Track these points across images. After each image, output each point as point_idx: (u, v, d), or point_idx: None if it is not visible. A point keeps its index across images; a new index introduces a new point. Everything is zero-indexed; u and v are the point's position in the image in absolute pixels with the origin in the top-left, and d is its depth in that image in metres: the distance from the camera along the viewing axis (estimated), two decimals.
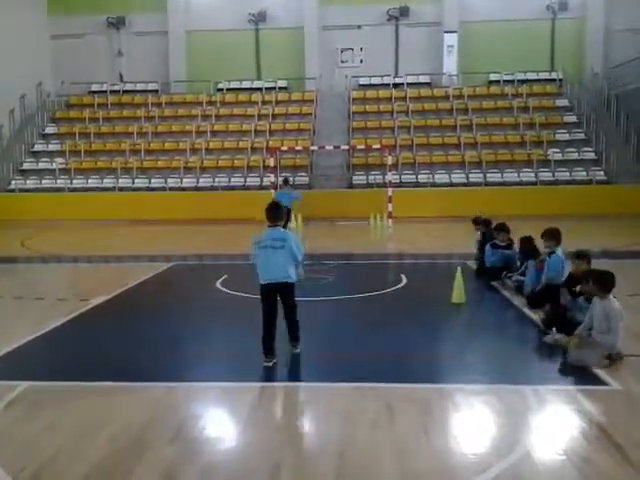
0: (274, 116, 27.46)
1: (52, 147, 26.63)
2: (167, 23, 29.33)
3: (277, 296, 6.34)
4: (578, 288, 7.13)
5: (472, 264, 11.45)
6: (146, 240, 18.75)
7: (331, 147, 23.20)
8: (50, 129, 27.74)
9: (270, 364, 6.21)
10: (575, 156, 24.32)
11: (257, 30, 29.55)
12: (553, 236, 8.53)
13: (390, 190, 20.89)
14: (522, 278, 9.56)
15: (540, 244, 8.95)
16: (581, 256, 7.48)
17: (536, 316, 7.91)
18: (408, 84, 28.25)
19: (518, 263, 9.89)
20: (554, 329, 7.07)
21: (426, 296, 9.92)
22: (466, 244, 11.69)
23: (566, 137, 25.15)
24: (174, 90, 29.43)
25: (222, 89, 28.97)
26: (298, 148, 24.07)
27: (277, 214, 6.36)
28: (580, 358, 6.10)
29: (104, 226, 21.45)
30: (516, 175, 23.72)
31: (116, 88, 29.33)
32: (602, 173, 23.41)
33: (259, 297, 6.37)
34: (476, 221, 11.73)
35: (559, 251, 8.45)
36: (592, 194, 22.24)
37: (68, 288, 11.25)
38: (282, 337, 6.52)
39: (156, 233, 20.14)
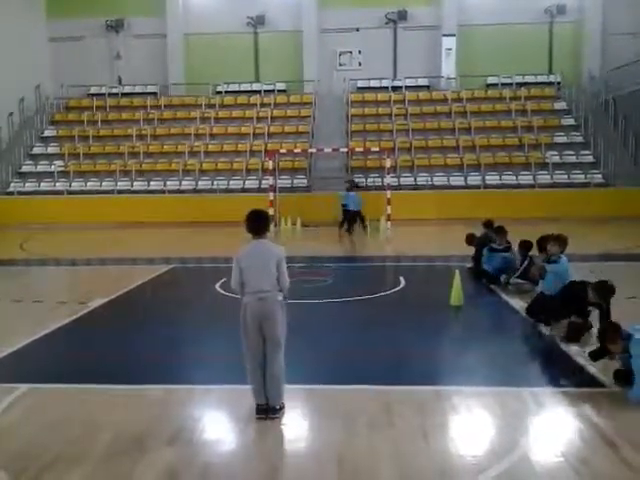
0: (273, 119, 27.46)
1: (51, 150, 26.60)
2: (166, 26, 29.33)
3: None
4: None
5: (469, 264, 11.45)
6: (145, 243, 18.75)
7: (330, 150, 23.18)
8: (49, 132, 27.71)
9: None
10: (573, 159, 24.36)
11: (256, 33, 29.59)
12: (561, 242, 7.97)
13: (389, 193, 20.92)
14: (520, 281, 9.63)
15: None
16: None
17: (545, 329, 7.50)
18: (406, 87, 28.28)
19: (518, 264, 9.91)
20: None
21: (425, 298, 9.94)
22: (464, 246, 11.69)
23: (564, 140, 25.18)
24: (173, 93, 29.41)
25: (221, 92, 28.96)
26: (297, 151, 24.05)
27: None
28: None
29: (103, 229, 21.44)
30: (514, 178, 23.74)
31: (115, 91, 29.31)
32: (600, 176, 23.43)
33: None
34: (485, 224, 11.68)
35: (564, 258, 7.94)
36: (590, 197, 22.25)
37: (67, 291, 11.26)
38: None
39: (155, 236, 20.14)
